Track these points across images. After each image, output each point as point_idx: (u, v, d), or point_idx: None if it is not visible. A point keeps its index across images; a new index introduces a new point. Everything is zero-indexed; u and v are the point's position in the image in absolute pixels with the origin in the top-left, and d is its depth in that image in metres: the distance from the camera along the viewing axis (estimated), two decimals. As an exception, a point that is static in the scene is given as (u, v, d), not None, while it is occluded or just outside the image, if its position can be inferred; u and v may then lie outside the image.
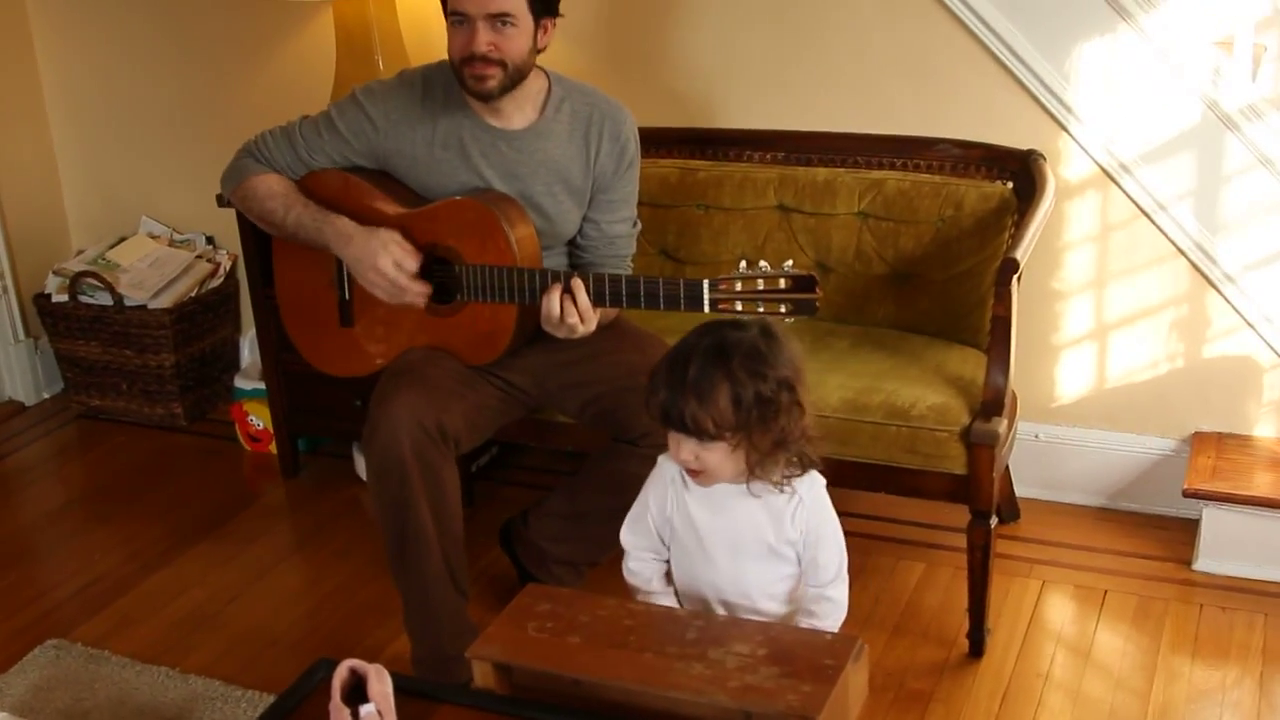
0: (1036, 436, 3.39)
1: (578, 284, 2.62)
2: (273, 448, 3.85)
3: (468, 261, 2.75)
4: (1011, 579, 3.13)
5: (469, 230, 2.75)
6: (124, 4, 4.08)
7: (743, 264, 2.55)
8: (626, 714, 1.96)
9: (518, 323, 2.77)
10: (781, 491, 2.20)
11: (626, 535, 2.36)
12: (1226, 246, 3.12)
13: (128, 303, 3.96)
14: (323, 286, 2.94)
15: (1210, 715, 2.70)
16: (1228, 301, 3.16)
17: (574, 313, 2.63)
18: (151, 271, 4.02)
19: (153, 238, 4.19)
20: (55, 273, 4.08)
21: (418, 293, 2.76)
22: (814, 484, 2.23)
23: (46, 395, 4.35)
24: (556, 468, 3.74)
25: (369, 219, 2.80)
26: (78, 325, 4.04)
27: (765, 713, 1.86)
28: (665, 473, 2.31)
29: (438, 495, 2.69)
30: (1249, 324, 3.16)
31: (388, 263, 2.73)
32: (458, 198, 2.78)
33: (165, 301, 3.96)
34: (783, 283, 2.50)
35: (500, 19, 2.64)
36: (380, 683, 1.93)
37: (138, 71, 4.15)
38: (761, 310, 2.53)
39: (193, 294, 4.03)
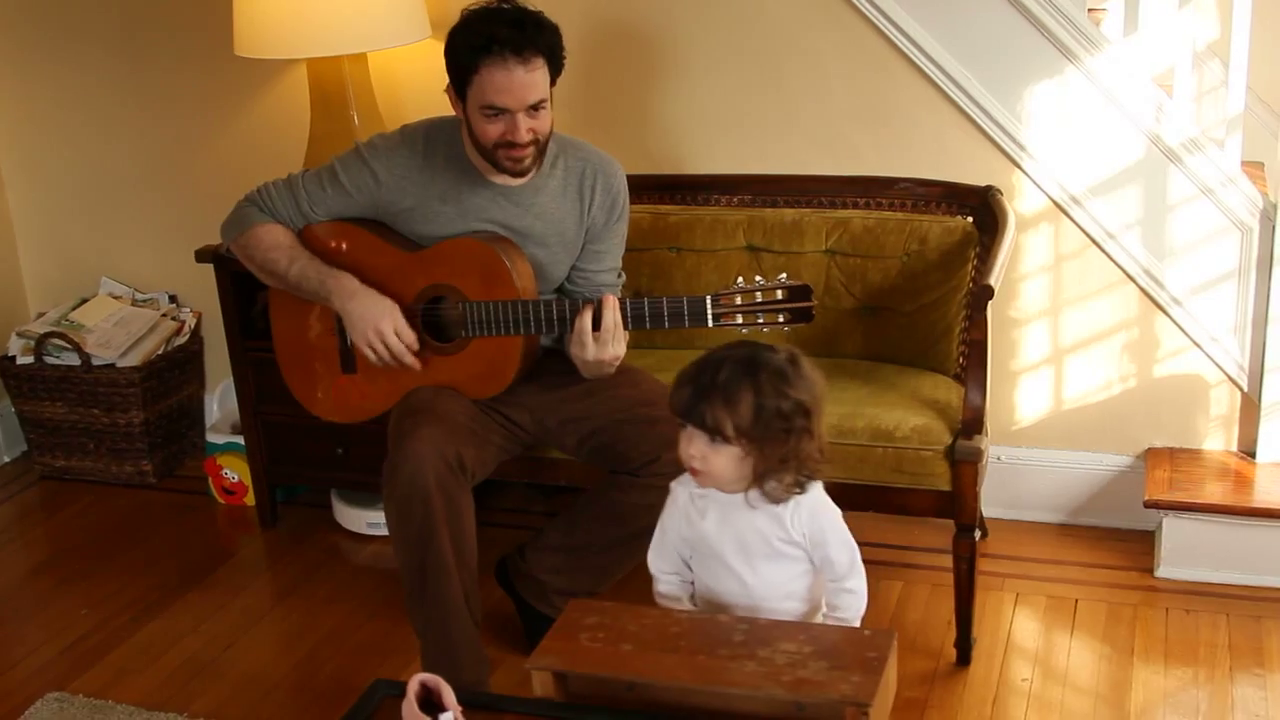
0: (999, 458, 3.56)
1: (610, 301, 2.75)
2: (248, 500, 3.90)
3: (470, 298, 2.86)
4: (987, 593, 3.28)
5: (470, 268, 2.86)
6: (79, 64, 4.12)
7: (739, 279, 2.71)
8: (682, 714, 2.06)
9: (523, 353, 2.89)
10: (774, 502, 2.32)
11: (653, 560, 2.48)
12: (1173, 272, 3.33)
13: (96, 362, 3.98)
14: (322, 334, 3.02)
15: (1188, 710, 2.86)
16: (1175, 324, 3.37)
17: (609, 326, 2.77)
18: (117, 330, 4.05)
19: (114, 298, 4.22)
20: (19, 334, 4.10)
21: (410, 364, 2.88)
22: (810, 489, 2.34)
23: (7, 459, 4.34)
24: (531, 508, 3.83)
25: (368, 264, 2.91)
26: (43, 386, 4.05)
27: (822, 702, 1.98)
28: (679, 497, 2.43)
29: (458, 527, 2.78)
30: (1196, 344, 3.37)
31: (389, 328, 2.84)
32: (456, 238, 2.89)
33: (134, 360, 3.99)
34: (779, 294, 2.67)
35: (536, 106, 2.77)
36: (450, 695, 2.01)
37: (95, 131, 4.19)
38: (761, 320, 2.69)
39: (160, 351, 4.06)
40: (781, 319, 2.67)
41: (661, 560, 2.47)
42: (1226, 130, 3.26)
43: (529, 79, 2.74)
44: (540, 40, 2.74)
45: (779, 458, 2.26)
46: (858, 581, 2.38)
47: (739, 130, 3.57)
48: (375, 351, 2.87)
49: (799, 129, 3.52)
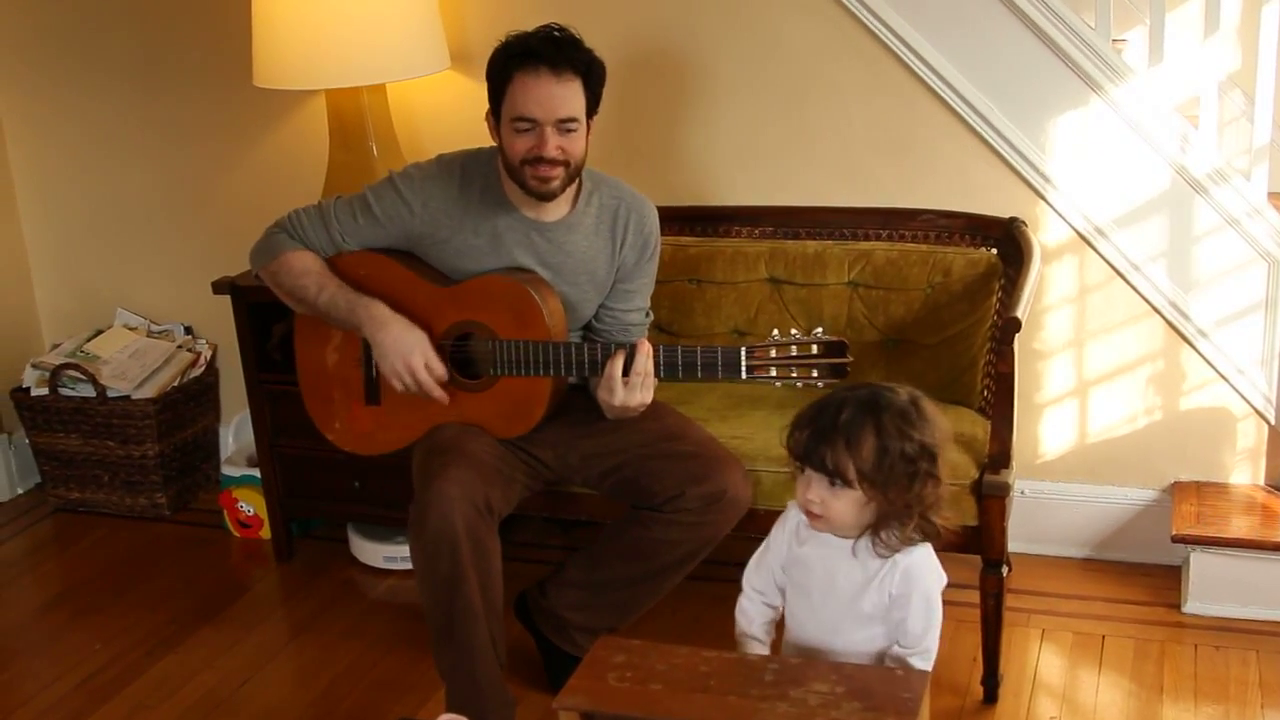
0: (1023, 492, 3.52)
1: (644, 348, 2.73)
2: (264, 533, 3.86)
3: (501, 336, 2.83)
4: (1012, 629, 3.23)
5: (502, 306, 2.84)
6: (98, 94, 4.12)
7: (775, 332, 2.69)
8: (713, 756, 2.03)
9: (550, 395, 2.85)
10: (879, 555, 2.26)
11: (748, 572, 2.43)
12: (1199, 303, 3.30)
13: (110, 394, 3.96)
14: (348, 365, 2.99)
15: (1220, 748, 2.83)
16: (1201, 356, 3.34)
17: (639, 373, 2.75)
18: (133, 362, 4.03)
19: (130, 329, 4.20)
20: (34, 366, 4.08)
21: (438, 397, 2.85)
22: (913, 550, 2.27)
23: (20, 491, 4.32)
24: (549, 542, 3.80)
25: (398, 297, 2.88)
26: (58, 418, 4.03)
27: (857, 745, 1.94)
28: (790, 521, 2.38)
29: (485, 571, 2.75)
30: (1222, 376, 3.33)
31: (419, 361, 2.81)
32: (489, 275, 2.87)
33: (149, 392, 3.97)
34: (815, 349, 2.65)
35: (567, 123, 2.75)
36: (477, 735, 1.98)
37: (113, 162, 4.18)
38: (794, 375, 2.66)
39: (175, 383, 4.04)
40: (815, 374, 2.65)
41: (756, 576, 2.42)
42: (1252, 161, 3.23)
43: (560, 91, 2.74)
44: (576, 58, 2.75)
45: (903, 503, 2.20)
46: (922, 661, 2.29)
47: (760, 161, 3.55)
48: (404, 383, 2.84)
49: (821, 160, 3.50)
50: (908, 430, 2.17)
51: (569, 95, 2.75)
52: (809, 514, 2.25)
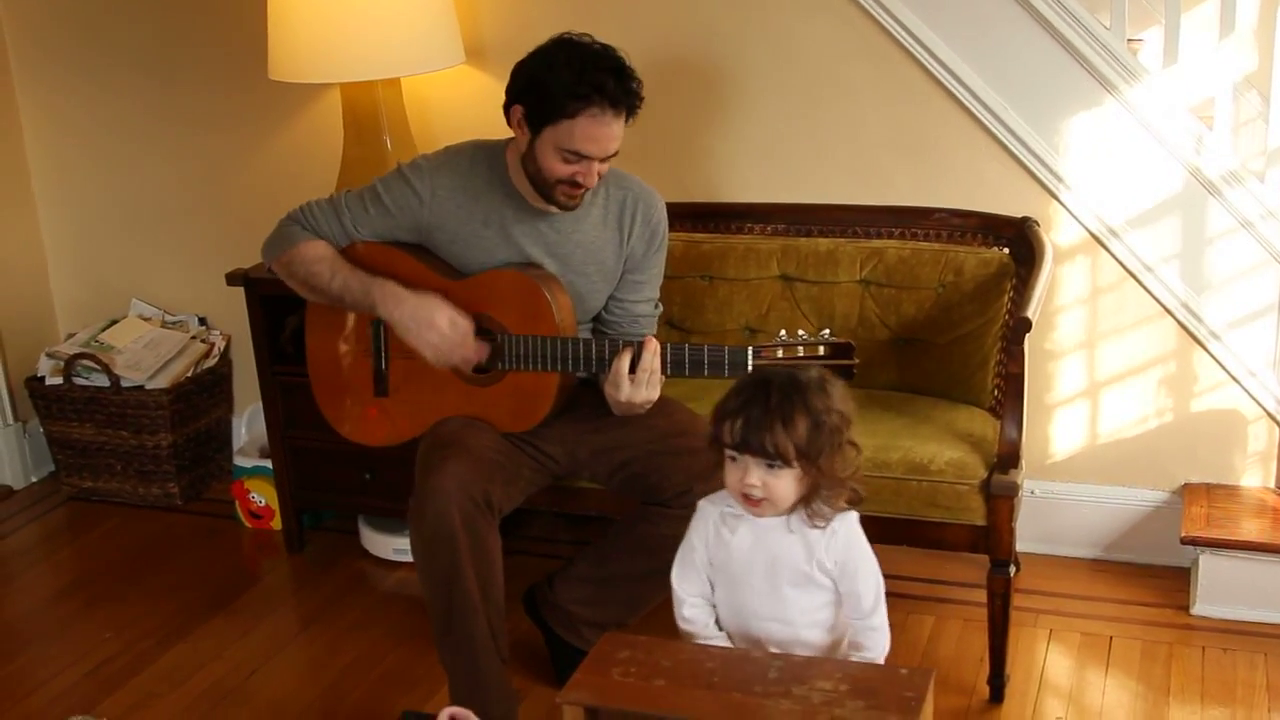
0: (1033, 492, 3.52)
1: (651, 345, 2.73)
2: (275, 524, 3.88)
3: (511, 331, 2.84)
4: (1020, 629, 3.23)
5: (512, 301, 2.85)
6: (115, 85, 4.13)
7: (782, 332, 2.70)
8: (716, 752, 2.03)
9: (558, 391, 2.86)
10: (816, 526, 2.30)
11: (678, 582, 2.44)
12: (1211, 305, 3.29)
13: (124, 384, 3.98)
14: (358, 355, 3.01)
15: (1226, 751, 2.83)
16: (1213, 358, 3.33)
17: (645, 370, 2.75)
18: (147, 352, 4.05)
19: (144, 320, 4.22)
20: (49, 355, 4.10)
21: (475, 348, 2.84)
22: (846, 518, 2.33)
23: (35, 479, 4.34)
24: (557, 537, 3.80)
25: (410, 289, 2.88)
26: (72, 407, 4.05)
27: (859, 743, 1.94)
28: (708, 516, 2.41)
29: (483, 564, 2.76)
30: (1234, 379, 3.33)
31: (444, 320, 2.81)
32: (499, 269, 2.88)
33: (162, 382, 3.99)
34: (822, 349, 2.65)
35: (612, 155, 2.79)
36: (480, 728, 1.99)
37: (129, 154, 4.19)
38: None
39: (189, 374, 4.06)
40: None
41: (687, 582, 2.43)
42: (1266, 163, 3.22)
43: (616, 130, 2.76)
44: (635, 92, 2.76)
45: (832, 472, 2.26)
46: (881, 618, 2.36)
47: (774, 159, 3.55)
48: (436, 348, 2.83)
49: (834, 158, 3.50)
50: (829, 403, 2.25)
51: (620, 130, 2.77)
52: (748, 499, 2.28)
